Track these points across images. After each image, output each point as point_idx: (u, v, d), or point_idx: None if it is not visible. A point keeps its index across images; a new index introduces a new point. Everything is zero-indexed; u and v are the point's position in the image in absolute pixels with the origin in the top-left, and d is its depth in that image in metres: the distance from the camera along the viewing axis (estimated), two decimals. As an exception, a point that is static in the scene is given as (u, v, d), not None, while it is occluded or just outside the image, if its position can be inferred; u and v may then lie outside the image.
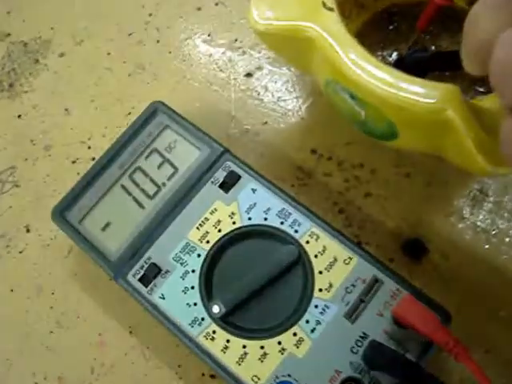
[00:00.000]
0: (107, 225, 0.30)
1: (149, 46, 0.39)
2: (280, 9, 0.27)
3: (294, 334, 0.26)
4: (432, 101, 0.24)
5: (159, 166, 0.31)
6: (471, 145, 0.24)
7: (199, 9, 0.39)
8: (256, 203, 0.29)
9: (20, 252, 0.34)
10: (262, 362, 0.26)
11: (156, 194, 0.30)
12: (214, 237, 0.28)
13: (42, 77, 0.39)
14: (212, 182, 0.30)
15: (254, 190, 0.29)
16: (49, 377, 0.31)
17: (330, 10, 0.26)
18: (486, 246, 0.30)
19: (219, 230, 0.28)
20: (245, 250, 0.28)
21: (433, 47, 0.34)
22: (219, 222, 0.29)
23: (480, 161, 0.24)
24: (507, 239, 0.30)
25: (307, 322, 0.26)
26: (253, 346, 0.26)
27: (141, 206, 0.30)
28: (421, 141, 0.27)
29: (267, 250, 0.28)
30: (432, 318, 0.25)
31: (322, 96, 0.33)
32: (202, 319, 0.27)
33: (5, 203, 0.35)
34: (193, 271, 0.28)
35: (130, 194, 0.30)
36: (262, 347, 0.26)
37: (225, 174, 0.30)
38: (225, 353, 0.26)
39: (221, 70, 0.37)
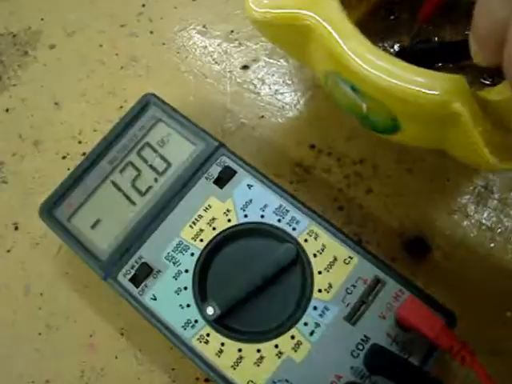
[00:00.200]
0: (97, 222, 0.29)
1: (142, 37, 0.38)
2: (277, -4, 0.26)
3: (292, 337, 0.25)
4: (438, 93, 0.22)
5: (151, 161, 0.30)
6: (479, 139, 0.22)
7: (194, -1, 0.38)
8: (252, 200, 0.28)
9: (8, 251, 0.33)
10: (258, 366, 0.25)
11: (148, 190, 0.29)
12: (209, 235, 0.27)
13: (31, 69, 0.38)
14: (206, 178, 0.29)
15: (250, 186, 0.28)
16: (37, 380, 0.30)
17: (331, -3, 0.25)
18: (491, 245, 0.30)
19: (214, 228, 0.27)
20: (240, 249, 0.27)
21: (435, 38, 0.33)
22: (214, 219, 0.28)
23: (487, 155, 0.23)
24: (513, 237, 0.29)
25: (306, 324, 0.25)
26: (249, 349, 0.25)
27: (132, 202, 0.29)
28: (425, 135, 0.26)
29: (264, 248, 0.27)
30: (437, 320, 0.24)
31: (322, 89, 0.32)
32: (196, 321, 0.26)
33: (-8, 200, 0.34)
34: (186, 271, 0.27)
35: (120, 190, 0.29)
36: (259, 351, 0.25)
37: (219, 169, 0.29)
38: (219, 356, 0.25)
39: (216, 63, 0.36)
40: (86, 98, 0.36)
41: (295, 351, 0.25)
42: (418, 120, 0.25)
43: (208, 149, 0.29)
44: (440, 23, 0.33)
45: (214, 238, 0.27)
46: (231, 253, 0.27)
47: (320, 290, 0.26)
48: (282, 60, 0.35)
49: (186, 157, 0.29)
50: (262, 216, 0.27)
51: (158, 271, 0.27)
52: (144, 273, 0.27)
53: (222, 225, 0.27)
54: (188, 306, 0.26)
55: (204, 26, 0.37)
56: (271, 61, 0.35)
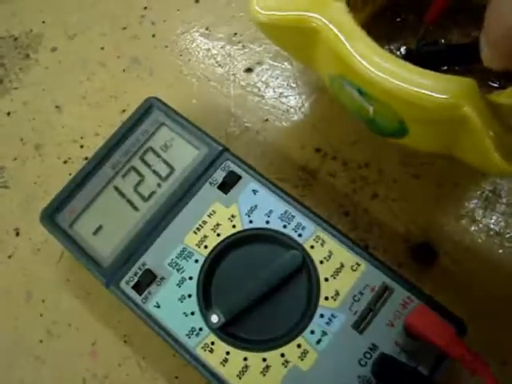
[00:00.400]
0: (99, 228, 0.29)
1: (144, 40, 0.37)
2: (283, -2, 0.25)
3: (299, 346, 0.25)
4: (447, 96, 0.22)
5: (154, 166, 0.29)
6: (489, 143, 0.22)
7: (197, 1, 0.38)
8: (257, 205, 0.27)
9: (9, 257, 0.33)
10: (264, 375, 0.24)
11: (151, 195, 0.29)
12: (213, 241, 0.27)
13: (32, 72, 0.38)
14: (210, 183, 0.28)
15: (255, 192, 0.28)
16: (38, 388, 0.30)
17: (337, -1, 0.24)
18: (500, 251, 0.29)
19: (218, 234, 0.27)
20: (245, 256, 0.27)
21: (442, 40, 0.32)
22: (218, 225, 0.27)
23: (498, 160, 0.22)
24: (522, 243, 0.29)
25: (312, 332, 0.25)
26: (254, 358, 0.25)
27: (135, 208, 0.29)
28: (433, 139, 0.25)
29: (269, 255, 0.26)
30: (447, 329, 0.23)
31: (327, 92, 0.31)
32: (200, 329, 0.26)
33: (-7, 205, 0.34)
34: (190, 278, 0.26)
35: (123, 195, 0.29)
36: (265, 360, 0.25)
37: (224, 174, 0.28)
38: (224, 365, 0.25)
39: (219, 65, 0.35)
40: (87, 101, 0.36)
41: (302, 360, 0.24)
42: (425, 124, 0.24)
43: (212, 153, 0.29)
44: (446, 25, 0.32)
45: (219, 244, 0.27)
46: (236, 259, 0.27)
47: (327, 298, 0.25)
48: (286, 63, 0.35)
49: (189, 161, 0.29)
50: (268, 222, 0.27)
51: (162, 278, 0.27)
52: (147, 280, 0.27)
53: (226, 231, 0.27)
54: (192, 313, 0.26)
55: (207, 29, 0.37)
56: (275, 63, 0.35)
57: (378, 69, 0.23)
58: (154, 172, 0.29)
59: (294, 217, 0.27)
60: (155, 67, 0.36)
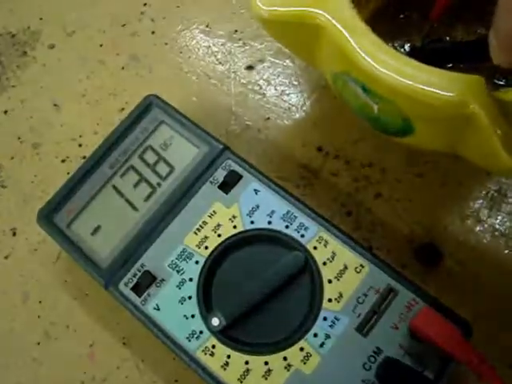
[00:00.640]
0: (97, 229, 0.28)
1: (143, 37, 0.37)
2: (285, -7, 0.25)
3: (301, 349, 0.24)
4: (454, 94, 0.22)
5: (154, 165, 0.29)
6: (497, 142, 0.22)
7: (197, -3, 0.37)
8: (259, 205, 0.27)
9: (5, 257, 0.32)
10: (266, 379, 0.24)
11: (150, 195, 0.28)
12: (214, 242, 0.26)
13: (30, 70, 0.37)
14: (211, 183, 0.28)
15: (256, 191, 0.27)
16: (35, 391, 0.29)
17: (341, -6, 0.24)
18: (506, 251, 0.29)
19: (219, 235, 0.26)
20: (247, 257, 0.26)
21: (447, 38, 0.32)
22: (219, 225, 0.27)
23: (505, 158, 0.22)
24: (529, 244, 0.28)
25: (315, 335, 0.24)
26: (256, 361, 0.24)
27: (134, 208, 0.28)
28: (438, 138, 0.25)
29: (271, 256, 0.26)
30: (453, 331, 0.23)
31: (329, 90, 0.31)
32: (201, 332, 0.25)
33: (-11, 205, 0.34)
34: (190, 280, 0.26)
35: (122, 195, 0.29)
36: (266, 363, 0.24)
37: (225, 173, 0.28)
38: (225, 369, 0.24)
39: (220, 63, 0.35)
40: (86, 99, 0.35)
41: (304, 364, 0.24)
42: (431, 122, 0.24)
43: (213, 152, 0.28)
44: (451, 22, 0.32)
45: (220, 245, 0.26)
46: (237, 261, 0.26)
47: (330, 300, 0.25)
48: (287, 60, 0.34)
49: (189, 160, 0.28)
50: (269, 222, 0.26)
51: (161, 280, 0.26)
52: (146, 281, 0.26)
53: (227, 231, 0.26)
54: (192, 316, 0.25)
55: (207, 26, 0.36)
56: (277, 61, 0.34)
57: (383, 65, 0.22)
58: (154, 171, 0.29)
59: (296, 217, 0.26)
60: (155, 65, 0.36)
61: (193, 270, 0.26)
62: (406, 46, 0.32)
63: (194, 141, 0.29)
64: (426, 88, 0.22)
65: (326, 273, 0.25)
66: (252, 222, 0.27)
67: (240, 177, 0.27)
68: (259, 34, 0.35)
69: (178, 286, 0.26)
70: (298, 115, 0.33)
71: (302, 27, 0.25)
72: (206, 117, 0.32)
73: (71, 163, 0.34)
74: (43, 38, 0.38)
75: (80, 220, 0.28)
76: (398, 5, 0.33)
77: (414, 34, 0.32)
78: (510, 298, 0.27)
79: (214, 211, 0.27)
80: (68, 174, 0.32)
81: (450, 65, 0.30)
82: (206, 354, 0.25)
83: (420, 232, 0.29)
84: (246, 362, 0.24)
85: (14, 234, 0.33)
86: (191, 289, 0.26)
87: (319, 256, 0.25)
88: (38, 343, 0.30)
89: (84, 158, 0.33)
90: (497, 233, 0.29)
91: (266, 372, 0.24)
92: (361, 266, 0.25)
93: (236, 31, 0.36)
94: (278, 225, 0.26)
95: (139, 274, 0.26)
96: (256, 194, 0.27)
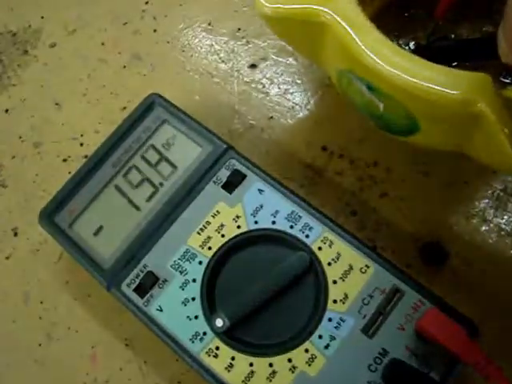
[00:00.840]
0: (99, 229, 0.28)
1: (145, 35, 0.36)
2: (290, -9, 0.25)
3: (306, 351, 0.24)
4: (461, 92, 0.21)
5: (156, 165, 0.29)
6: (504, 140, 0.21)
7: (199, -5, 0.37)
8: (263, 205, 0.27)
9: (6, 257, 0.32)
10: (270, 381, 0.24)
11: (153, 195, 0.28)
12: (217, 242, 0.26)
13: (31, 69, 0.37)
14: (214, 182, 0.27)
15: (260, 191, 0.27)
16: (37, 393, 0.29)
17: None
18: (512, 251, 0.28)
19: (222, 235, 0.26)
20: (251, 257, 0.26)
21: (452, 35, 0.31)
22: (222, 226, 0.26)
23: (513, 157, 0.21)
24: (535, 243, 0.28)
25: (320, 337, 0.24)
26: (260, 363, 0.24)
27: (136, 208, 0.28)
28: (444, 136, 0.25)
29: (275, 257, 0.25)
30: (460, 333, 0.22)
31: (333, 88, 0.31)
32: (204, 334, 0.25)
33: (-10, 204, 0.33)
34: (193, 281, 0.26)
35: (124, 195, 0.28)
36: (271, 365, 0.24)
37: (228, 173, 0.27)
38: (229, 371, 0.24)
39: (223, 61, 0.35)
40: (87, 98, 0.35)
41: (309, 365, 0.24)
42: (438, 121, 0.23)
43: (216, 151, 0.28)
44: (457, 20, 0.31)
45: (223, 245, 0.26)
46: (241, 261, 0.26)
47: (335, 301, 0.24)
48: (291, 58, 0.34)
49: (192, 160, 0.28)
50: (274, 222, 0.26)
51: (164, 281, 0.26)
52: (149, 282, 0.26)
53: (231, 232, 0.26)
54: (196, 317, 0.25)
55: (210, 24, 0.36)
56: (280, 59, 0.34)
57: (389, 63, 0.22)
58: (156, 171, 0.28)
59: (301, 217, 0.26)
60: (157, 63, 0.35)
61: (196, 271, 0.26)
62: (411, 44, 0.31)
63: (197, 140, 0.29)
64: (432, 86, 0.21)
65: (331, 273, 0.25)
66: (256, 222, 0.26)
67: (244, 176, 0.27)
68: (262, 32, 0.35)
69: (181, 287, 0.26)
70: (301, 114, 0.32)
71: (306, 25, 0.25)
72: (208, 116, 0.32)
73: (73, 163, 0.33)
74: (44, 36, 0.38)
75: (82, 220, 0.28)
76: (402, 2, 0.33)
77: (419, 31, 0.32)
78: (517, 298, 0.27)
79: (217, 211, 0.27)
80: (69, 173, 0.31)
81: (456, 63, 0.30)
82: (209, 355, 0.24)
83: (425, 231, 0.29)
84: (251, 364, 0.24)
85: (16, 234, 0.32)
86: (194, 290, 0.25)
87: (324, 256, 0.25)
88: (40, 344, 0.30)
89: (85, 157, 0.33)
90: (503, 232, 0.29)
91: (270, 374, 0.24)
92: (366, 266, 0.25)
93: (239, 29, 0.35)
94: (283, 225, 0.26)
95: (142, 274, 0.26)
96: (260, 193, 0.27)
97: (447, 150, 0.26)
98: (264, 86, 0.33)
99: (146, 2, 0.37)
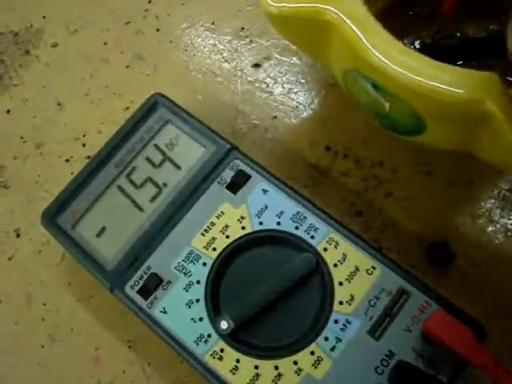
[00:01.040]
0: (102, 230, 0.28)
1: (148, 35, 0.36)
2: (295, -11, 0.24)
3: (312, 353, 0.24)
4: (468, 91, 0.21)
5: (160, 165, 0.28)
6: (512, 139, 0.21)
7: (202, -6, 0.37)
8: (268, 206, 0.26)
9: (9, 258, 0.32)
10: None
11: (156, 195, 0.28)
12: (222, 244, 0.26)
13: (32, 69, 0.37)
14: (218, 183, 0.27)
15: (265, 191, 0.27)
16: (40, 395, 0.29)
17: (352, -10, 0.23)
18: (519, 252, 0.28)
19: (227, 236, 0.26)
20: (256, 259, 0.26)
21: (458, 34, 0.31)
22: (227, 226, 0.26)
23: (521, 157, 0.21)
24: (542, 244, 0.28)
25: (326, 339, 0.24)
26: (266, 366, 0.24)
27: (140, 209, 0.28)
28: (451, 136, 0.24)
29: (281, 258, 0.25)
30: (467, 335, 0.22)
31: (337, 87, 0.30)
32: (209, 336, 0.24)
33: (-8, 205, 0.33)
34: (198, 282, 0.25)
35: (127, 195, 0.28)
36: (277, 367, 0.24)
37: (233, 173, 0.27)
38: (234, 374, 0.24)
39: (226, 61, 0.34)
40: (90, 98, 0.35)
41: (315, 368, 0.23)
42: (444, 120, 0.23)
43: (220, 152, 0.28)
44: (462, 18, 0.31)
45: (228, 246, 0.26)
46: (246, 262, 0.26)
47: (341, 303, 0.24)
48: (294, 58, 0.34)
49: (196, 160, 0.28)
50: (279, 223, 0.26)
51: (168, 282, 0.26)
52: (153, 284, 0.26)
53: (235, 233, 0.26)
54: (200, 319, 0.25)
55: (213, 23, 0.36)
56: (284, 58, 0.34)
57: (395, 62, 0.22)
58: (160, 171, 0.28)
59: (306, 218, 0.26)
60: (159, 63, 0.35)
61: (200, 272, 0.25)
62: (416, 43, 0.31)
63: (201, 140, 0.28)
64: (438, 85, 0.21)
65: (337, 275, 0.25)
66: (261, 223, 0.26)
67: (248, 177, 0.27)
68: (266, 31, 0.34)
69: (185, 289, 0.25)
70: (305, 114, 0.32)
71: (311, 24, 0.24)
72: (211, 115, 0.31)
73: (75, 163, 0.33)
74: (46, 36, 0.37)
75: (85, 221, 0.28)
76: (407, 1, 0.32)
77: (424, 30, 0.31)
78: (524, 300, 0.27)
79: (221, 212, 0.26)
80: (72, 174, 0.31)
81: (461, 62, 0.30)
82: (214, 357, 0.24)
83: (431, 232, 0.29)
84: (256, 367, 0.24)
85: (18, 235, 0.32)
86: (199, 291, 0.25)
87: (330, 258, 0.25)
88: (42, 346, 0.30)
89: (88, 157, 0.33)
90: (509, 233, 0.28)
91: (276, 376, 0.23)
92: (372, 267, 0.25)
93: (242, 29, 0.35)
94: (288, 226, 0.26)
95: (145, 276, 0.26)
96: (265, 194, 0.27)
97: (453, 150, 0.26)
98: (268, 86, 0.33)
99: (149, 2, 0.37)
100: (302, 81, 0.33)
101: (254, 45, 0.35)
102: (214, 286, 0.25)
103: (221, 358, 0.24)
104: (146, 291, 0.26)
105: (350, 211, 0.29)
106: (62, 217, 0.28)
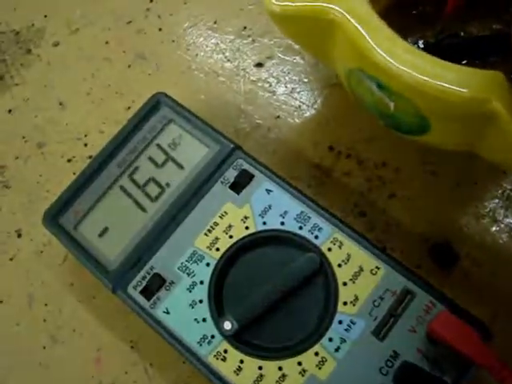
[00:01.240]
0: (105, 230, 0.27)
1: (150, 34, 0.36)
2: (299, -12, 0.24)
3: (316, 354, 0.23)
4: (474, 90, 0.21)
5: (162, 165, 0.28)
6: (519, 140, 0.21)
7: (204, -7, 0.37)
8: (271, 206, 0.26)
9: (10, 259, 0.32)
10: (280, 385, 0.23)
11: (159, 195, 0.28)
12: (225, 244, 0.26)
13: (34, 68, 0.36)
14: (222, 183, 0.27)
15: (268, 191, 0.26)
16: (41, 396, 0.28)
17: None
18: (523, 252, 0.28)
19: (230, 236, 0.26)
20: (259, 259, 0.25)
21: (462, 33, 0.31)
22: (230, 226, 0.26)
23: (528, 158, 0.21)
24: (546, 244, 0.28)
25: (330, 339, 0.24)
26: (270, 366, 0.24)
27: (142, 209, 0.27)
28: (456, 136, 0.24)
29: (284, 258, 0.25)
30: (473, 336, 0.22)
31: (340, 87, 0.30)
32: (212, 337, 0.24)
33: (-6, 206, 0.33)
34: (201, 283, 0.25)
35: (130, 195, 0.28)
36: (280, 368, 0.23)
37: (236, 173, 0.27)
38: (238, 375, 0.24)
39: (228, 60, 0.34)
40: (91, 97, 0.35)
41: (319, 369, 0.23)
42: (449, 120, 0.23)
43: (223, 151, 0.27)
44: (466, 18, 0.31)
45: (231, 246, 0.26)
46: (249, 263, 0.25)
47: (345, 303, 0.24)
48: (297, 57, 0.33)
49: (199, 160, 0.28)
50: (282, 223, 0.26)
51: (171, 283, 0.25)
52: (156, 284, 0.25)
53: (239, 233, 0.26)
54: (204, 320, 0.25)
55: (215, 22, 0.36)
56: (286, 58, 0.34)
57: (400, 61, 0.22)
58: (162, 171, 0.28)
59: (310, 218, 0.26)
60: (162, 62, 0.35)
61: (204, 273, 0.25)
62: (420, 43, 0.31)
63: (204, 140, 0.28)
64: (444, 84, 0.21)
65: (341, 275, 0.24)
66: (264, 223, 0.26)
67: (252, 176, 0.27)
68: (268, 30, 0.34)
69: (188, 289, 0.25)
70: (308, 113, 0.32)
71: (315, 23, 0.24)
72: (214, 115, 0.31)
73: (77, 163, 0.33)
74: (47, 35, 0.37)
75: (87, 221, 0.28)
76: (410, 0, 0.32)
77: (428, 29, 0.31)
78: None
79: (225, 212, 0.26)
80: (74, 174, 0.31)
81: (465, 61, 0.30)
82: (217, 358, 0.24)
83: (435, 232, 0.29)
84: (260, 367, 0.24)
85: (19, 236, 0.32)
86: (202, 292, 0.25)
87: (334, 258, 0.25)
88: (44, 347, 0.29)
89: (90, 157, 0.32)
90: (513, 233, 0.28)
91: (280, 377, 0.23)
92: (377, 267, 0.24)
93: (245, 28, 0.35)
94: (292, 226, 0.26)
95: (148, 276, 0.26)
96: (268, 194, 0.26)
97: (457, 150, 0.26)
98: (270, 85, 0.33)
99: (151, 1, 0.37)
100: (305, 80, 0.33)
101: (256, 44, 0.34)
102: (217, 286, 0.25)
103: (224, 359, 0.24)
104: (149, 292, 0.25)
105: (354, 211, 0.29)
106: (64, 217, 0.28)
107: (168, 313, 0.25)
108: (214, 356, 0.24)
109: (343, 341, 0.24)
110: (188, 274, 0.25)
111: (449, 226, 0.29)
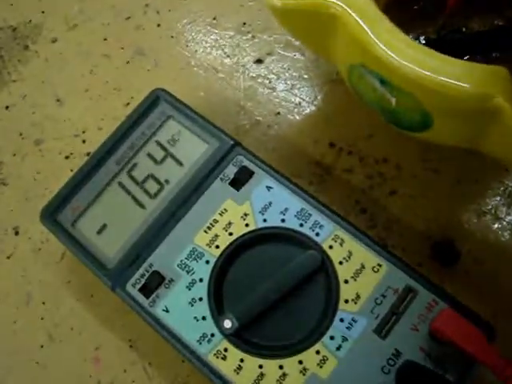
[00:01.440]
0: (103, 227, 0.27)
1: (149, 30, 0.36)
2: (300, -18, 0.24)
3: (317, 352, 0.23)
4: (477, 85, 0.21)
5: (161, 161, 0.28)
6: (523, 137, 0.21)
7: (204, -11, 0.36)
8: (272, 203, 0.26)
9: (8, 257, 0.31)
10: (280, 383, 0.23)
11: (158, 192, 0.27)
12: (225, 241, 0.25)
13: (31, 64, 0.36)
14: (221, 179, 0.27)
15: (269, 188, 0.26)
16: (39, 396, 0.28)
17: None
18: (525, 249, 0.28)
19: (230, 234, 0.26)
20: (260, 256, 0.25)
21: (463, 29, 0.31)
22: (230, 224, 0.26)
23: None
24: (549, 241, 0.27)
25: (332, 338, 0.23)
26: (270, 365, 0.23)
27: (141, 206, 0.27)
28: (459, 132, 0.24)
29: (285, 255, 0.25)
30: (476, 334, 0.22)
31: (340, 83, 0.30)
32: (212, 335, 0.24)
33: (-9, 203, 0.33)
34: (201, 280, 0.25)
35: (128, 192, 0.28)
36: (281, 367, 0.23)
37: (236, 169, 0.27)
38: (238, 373, 0.23)
39: (228, 56, 0.34)
40: (89, 94, 0.35)
41: (321, 367, 0.23)
42: (452, 116, 0.23)
43: (223, 147, 0.27)
44: (467, 13, 0.31)
45: (231, 244, 0.25)
46: (249, 260, 0.25)
47: (347, 301, 0.24)
48: (297, 53, 0.33)
49: (198, 156, 0.27)
50: (283, 220, 0.25)
51: (170, 280, 0.25)
52: (155, 282, 0.25)
53: (239, 230, 0.25)
54: (203, 318, 0.24)
55: (214, 18, 0.35)
56: (286, 54, 0.33)
57: (402, 56, 0.22)
58: (161, 167, 0.28)
59: (311, 215, 0.25)
60: (160, 58, 0.35)
61: (203, 270, 0.25)
62: (421, 38, 0.31)
63: (204, 136, 0.28)
64: (446, 79, 0.21)
65: (343, 273, 0.24)
66: (265, 220, 0.26)
67: (252, 173, 0.26)
68: (268, 26, 0.34)
69: (187, 287, 0.25)
70: (308, 110, 0.32)
71: (316, 17, 0.24)
72: (213, 112, 0.31)
73: (75, 160, 0.33)
74: (45, 31, 0.37)
75: (85, 218, 0.27)
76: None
77: (429, 25, 0.31)
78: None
79: (224, 209, 0.26)
80: (72, 170, 0.31)
81: (467, 57, 0.29)
82: (217, 357, 0.24)
83: (436, 229, 0.28)
84: (260, 366, 0.23)
85: (17, 233, 0.32)
86: (202, 290, 0.25)
87: (335, 255, 0.25)
88: (42, 346, 0.29)
89: (88, 154, 0.32)
90: (515, 230, 0.28)
91: (280, 376, 0.23)
92: (378, 265, 0.24)
93: (244, 24, 0.35)
94: (292, 223, 0.25)
95: (147, 274, 0.25)
96: (269, 190, 0.26)
97: (459, 146, 0.25)
98: (270, 82, 0.33)
99: (150, -4, 0.37)
100: (305, 76, 0.33)
101: (256, 40, 0.34)
102: (217, 284, 0.25)
103: (224, 358, 0.24)
104: (148, 289, 0.25)
105: (355, 209, 0.29)
106: (62, 214, 0.28)
107: (167, 311, 0.25)
108: (214, 355, 0.24)
109: (345, 339, 0.23)
110: (187, 272, 0.25)
111: (450, 223, 0.28)
